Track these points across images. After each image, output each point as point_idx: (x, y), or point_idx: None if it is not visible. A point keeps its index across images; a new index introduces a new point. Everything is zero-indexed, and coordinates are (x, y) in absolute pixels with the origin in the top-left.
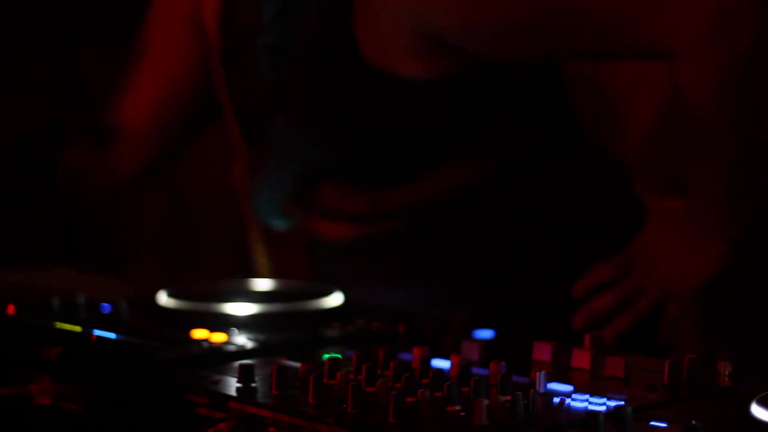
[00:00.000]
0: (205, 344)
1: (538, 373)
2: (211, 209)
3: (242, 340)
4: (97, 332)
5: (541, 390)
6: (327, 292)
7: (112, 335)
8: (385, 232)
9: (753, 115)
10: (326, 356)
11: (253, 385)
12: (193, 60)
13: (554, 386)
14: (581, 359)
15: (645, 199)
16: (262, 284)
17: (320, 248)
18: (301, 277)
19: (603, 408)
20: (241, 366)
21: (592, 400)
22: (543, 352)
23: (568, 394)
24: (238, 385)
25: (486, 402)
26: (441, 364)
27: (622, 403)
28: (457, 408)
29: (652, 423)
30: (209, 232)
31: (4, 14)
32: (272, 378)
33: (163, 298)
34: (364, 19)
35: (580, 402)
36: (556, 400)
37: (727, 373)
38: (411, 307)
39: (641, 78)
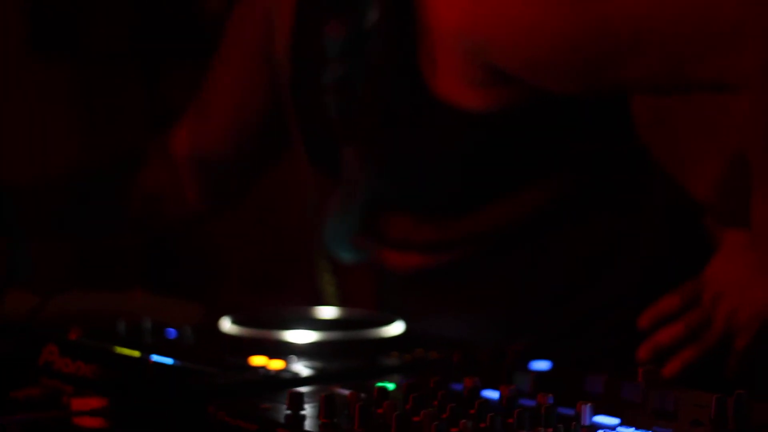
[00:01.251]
0: (262, 371)
1: (583, 406)
2: (300, 232)
3: (300, 367)
4: (155, 357)
5: (586, 423)
6: (388, 321)
7: (169, 361)
8: (450, 261)
9: None
10: (378, 384)
11: (303, 412)
12: (264, 91)
13: (600, 419)
14: (632, 392)
15: (713, 231)
16: (326, 312)
17: (388, 278)
18: (368, 306)
19: None
20: (291, 393)
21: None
22: (595, 384)
23: (614, 428)
24: (288, 412)
25: None
26: (491, 394)
27: None
28: None
29: None
30: (298, 256)
31: (91, 39)
32: (320, 405)
33: (226, 325)
34: (428, 51)
35: None
36: None
37: None
38: (474, 337)
39: (718, 110)
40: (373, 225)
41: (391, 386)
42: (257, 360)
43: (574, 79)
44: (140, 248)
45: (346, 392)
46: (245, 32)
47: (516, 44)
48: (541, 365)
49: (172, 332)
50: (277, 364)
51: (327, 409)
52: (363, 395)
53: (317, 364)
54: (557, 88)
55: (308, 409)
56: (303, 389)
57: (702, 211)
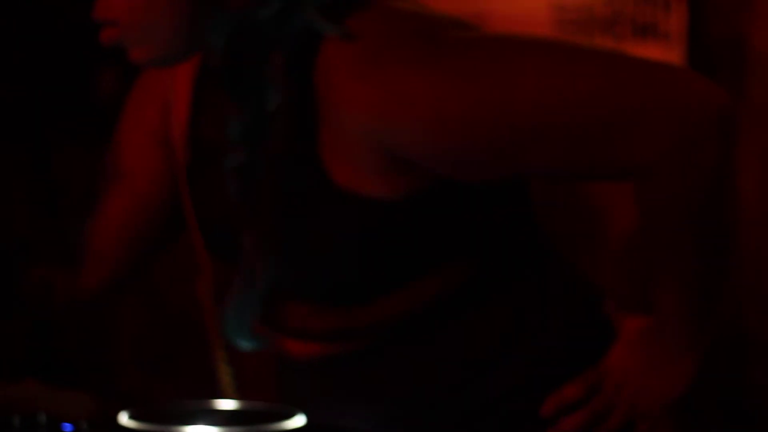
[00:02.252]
0: None
1: None
2: (194, 318)
3: None
4: None
5: None
6: (289, 415)
7: None
8: (350, 350)
9: (716, 240)
10: None
11: None
12: (161, 177)
13: None
14: None
15: (615, 317)
16: (226, 405)
17: (288, 368)
18: (267, 396)
19: None
20: None
21: None
22: None
23: None
24: None
25: None
26: None
27: None
28: None
29: None
30: (194, 343)
31: None
32: None
33: (124, 419)
34: (330, 140)
35: None
36: None
37: None
38: (374, 429)
39: (617, 195)
40: (272, 313)
41: None
42: None
43: (478, 168)
44: (27, 335)
45: None
46: (142, 116)
47: (419, 134)
48: None
49: (68, 427)
50: None
51: None
52: None
53: None
54: (461, 177)
55: None
56: None
57: (602, 297)
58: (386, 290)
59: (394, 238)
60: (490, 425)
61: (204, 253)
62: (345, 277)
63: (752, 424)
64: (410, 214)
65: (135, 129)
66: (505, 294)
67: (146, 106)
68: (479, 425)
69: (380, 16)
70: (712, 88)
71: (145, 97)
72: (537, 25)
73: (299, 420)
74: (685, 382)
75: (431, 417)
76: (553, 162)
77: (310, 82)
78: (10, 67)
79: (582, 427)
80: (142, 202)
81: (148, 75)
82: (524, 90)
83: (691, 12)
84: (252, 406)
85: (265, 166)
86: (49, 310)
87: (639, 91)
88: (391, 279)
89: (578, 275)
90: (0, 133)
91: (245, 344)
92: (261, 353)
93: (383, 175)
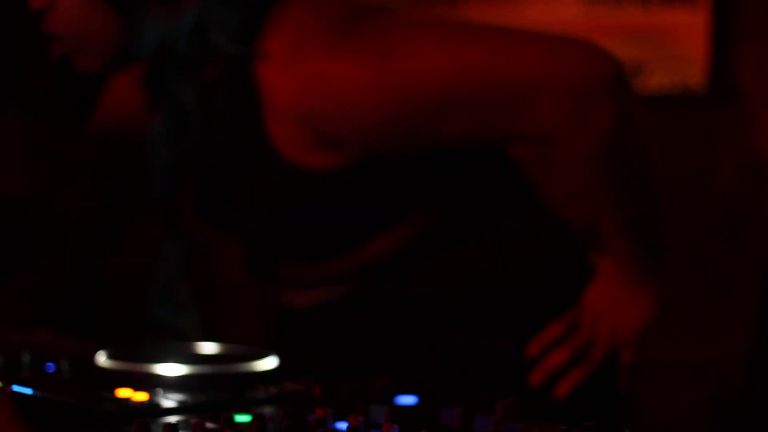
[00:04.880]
0: (124, 402)
1: None
2: None
3: (164, 399)
4: (15, 387)
5: None
6: (260, 356)
7: (28, 391)
8: (343, 295)
9: (631, 186)
10: (236, 416)
11: None
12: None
13: None
14: (483, 425)
15: (592, 259)
16: (202, 347)
17: (288, 316)
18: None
19: None
20: (138, 423)
21: None
22: (450, 417)
23: None
24: None
25: None
26: (343, 425)
27: None
28: None
29: None
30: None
31: None
32: None
33: (101, 359)
34: (274, 122)
35: None
36: None
37: None
38: (352, 370)
39: None
40: (269, 267)
41: (246, 418)
42: (123, 392)
43: (395, 141)
44: (43, 289)
45: (212, 424)
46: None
47: (339, 114)
48: (406, 399)
49: (50, 366)
50: (141, 396)
51: None
52: (210, 425)
53: (184, 396)
54: (382, 150)
55: None
56: (173, 419)
57: (581, 242)
58: (363, 240)
59: (354, 197)
60: (474, 365)
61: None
62: (316, 238)
63: None
64: (360, 178)
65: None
66: (485, 241)
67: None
68: (465, 365)
69: (304, 4)
70: (606, 57)
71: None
72: None
73: (270, 361)
74: (647, 313)
75: (406, 361)
76: (458, 133)
77: (251, 70)
78: None
79: (566, 362)
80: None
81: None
82: (425, 68)
83: None
84: (227, 348)
85: (216, 150)
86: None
87: (536, 62)
88: (363, 232)
89: (557, 220)
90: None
91: (170, 318)
92: (248, 304)
93: (318, 151)
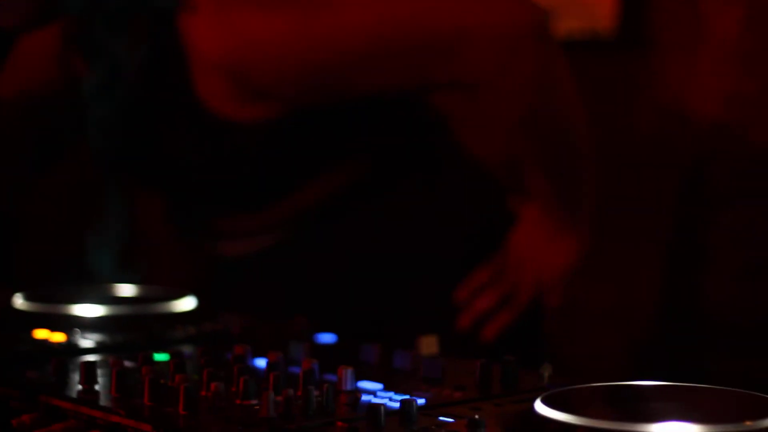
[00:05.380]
0: (42, 343)
1: (344, 370)
2: None
3: (82, 339)
4: None
5: (348, 387)
6: (179, 296)
7: None
8: (274, 244)
9: (557, 129)
10: (155, 355)
11: (67, 379)
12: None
13: (364, 384)
14: (403, 361)
15: (512, 203)
16: (121, 289)
17: (222, 266)
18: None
19: (391, 402)
20: (55, 361)
21: (393, 396)
22: (369, 353)
23: (374, 392)
24: (52, 379)
25: (272, 395)
26: (261, 363)
27: (420, 400)
28: (254, 402)
29: (441, 418)
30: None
31: None
32: (80, 372)
33: (18, 301)
34: (201, 76)
35: (382, 399)
36: (366, 398)
37: (546, 375)
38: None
39: None
40: (204, 220)
41: (164, 357)
42: (40, 333)
43: (322, 92)
44: None
45: (131, 363)
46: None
47: (266, 66)
48: (326, 338)
49: None
50: (58, 337)
51: (86, 376)
52: (129, 364)
53: (102, 337)
54: (310, 101)
55: (73, 377)
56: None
57: (505, 188)
58: (291, 190)
59: (285, 148)
60: (400, 309)
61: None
62: (245, 190)
63: None
64: (289, 128)
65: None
66: (410, 183)
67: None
68: (391, 309)
69: None
70: (530, 5)
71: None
72: None
73: (189, 302)
74: (573, 255)
75: (345, 300)
76: (384, 83)
77: (178, 22)
78: None
79: (494, 305)
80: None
81: None
82: (353, 19)
83: None
84: (146, 289)
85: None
86: None
87: (461, 12)
88: (292, 182)
89: (478, 165)
90: None
91: (110, 270)
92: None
93: (247, 104)
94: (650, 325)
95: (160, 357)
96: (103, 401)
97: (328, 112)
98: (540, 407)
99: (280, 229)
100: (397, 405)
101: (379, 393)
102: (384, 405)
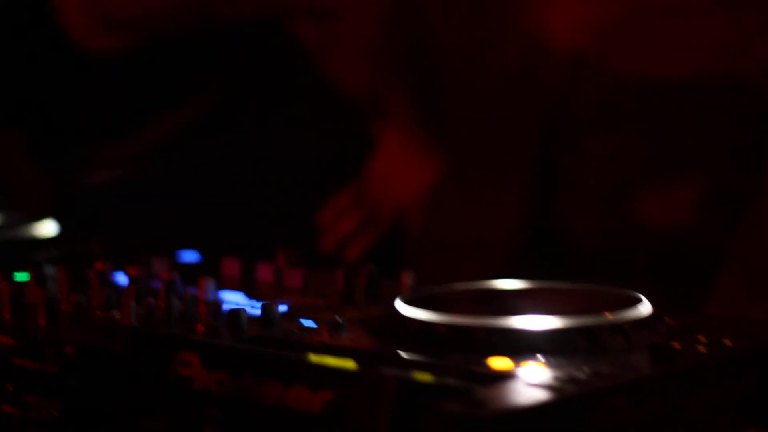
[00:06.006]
0: None
1: (204, 281)
2: None
3: None
4: None
5: (209, 298)
6: (39, 219)
7: None
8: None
9: (415, 56)
10: (15, 275)
11: None
12: None
13: (225, 295)
14: (265, 273)
15: (374, 128)
16: None
17: (79, 192)
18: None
19: (253, 309)
20: None
21: (254, 304)
22: (231, 268)
23: (236, 302)
24: None
25: (133, 304)
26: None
27: (282, 306)
28: (115, 312)
29: (302, 321)
30: None
31: None
32: None
33: None
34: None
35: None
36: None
37: (410, 282)
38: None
39: None
40: (54, 151)
41: (25, 276)
42: None
43: (178, 21)
44: None
45: None
46: None
47: None
48: (189, 255)
49: None
50: None
51: None
52: None
53: None
54: (166, 31)
55: None
56: None
57: (365, 112)
58: (149, 121)
59: (143, 77)
60: (264, 232)
61: None
62: (103, 120)
63: None
64: (146, 58)
65: None
66: (269, 111)
67: None
68: (261, 234)
69: None
70: None
71: None
72: None
73: (51, 227)
74: (433, 178)
75: (208, 224)
76: (241, 10)
77: None
78: None
79: (356, 229)
80: None
81: None
82: None
83: None
84: (7, 215)
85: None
86: None
87: None
88: (149, 112)
89: (337, 90)
90: None
91: None
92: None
93: (108, 34)
94: (514, 250)
95: (21, 276)
96: None
97: (185, 41)
98: (401, 306)
99: (142, 157)
100: (258, 311)
101: (241, 303)
102: (245, 309)
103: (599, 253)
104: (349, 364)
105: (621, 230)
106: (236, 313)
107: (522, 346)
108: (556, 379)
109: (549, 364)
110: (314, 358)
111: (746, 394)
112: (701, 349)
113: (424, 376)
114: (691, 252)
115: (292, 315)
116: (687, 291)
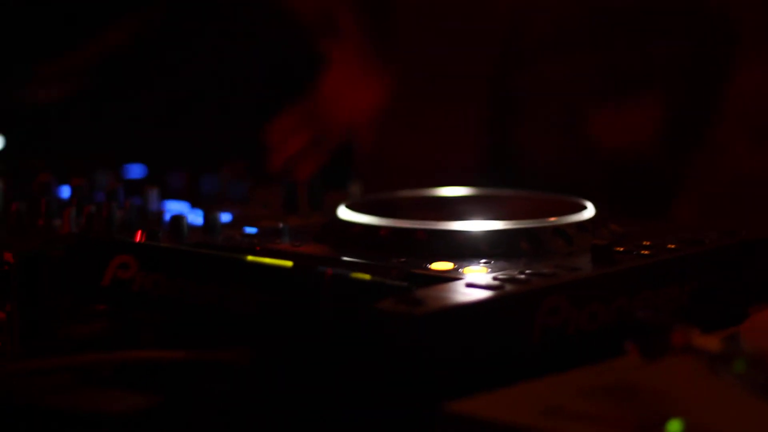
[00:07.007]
0: None
1: (150, 191)
2: None
3: None
4: None
5: (153, 207)
6: None
7: None
8: (67, 94)
9: None
10: None
11: None
12: None
13: (170, 205)
14: (210, 184)
15: (323, 45)
16: None
17: (21, 110)
18: None
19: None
20: None
21: (198, 213)
22: (177, 179)
23: (180, 212)
24: None
25: (74, 210)
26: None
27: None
28: (56, 220)
29: (245, 229)
30: None
31: None
32: None
33: None
34: None
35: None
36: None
37: (356, 192)
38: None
39: None
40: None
41: None
42: None
43: None
44: None
45: None
46: None
47: None
48: (134, 169)
49: None
50: None
51: None
52: None
53: None
54: None
55: None
56: None
57: (314, 31)
58: (89, 36)
59: None
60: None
61: None
62: (37, 36)
63: None
64: None
65: None
66: (216, 32)
67: None
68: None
69: None
70: None
71: None
72: None
73: None
74: (384, 97)
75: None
76: None
77: None
78: None
79: (305, 148)
80: None
81: None
82: None
83: None
84: None
85: None
86: None
87: None
88: (88, 28)
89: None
90: None
91: None
92: None
93: None
94: (467, 174)
95: None
96: None
97: None
98: (343, 212)
99: (85, 74)
100: (201, 221)
101: (185, 212)
102: (185, 216)
103: (557, 177)
104: (286, 263)
105: (579, 155)
106: (177, 219)
107: (464, 249)
108: (497, 279)
109: (491, 267)
110: (251, 258)
111: (688, 297)
112: (643, 252)
113: (362, 276)
114: (649, 175)
115: (235, 224)
116: (644, 214)
